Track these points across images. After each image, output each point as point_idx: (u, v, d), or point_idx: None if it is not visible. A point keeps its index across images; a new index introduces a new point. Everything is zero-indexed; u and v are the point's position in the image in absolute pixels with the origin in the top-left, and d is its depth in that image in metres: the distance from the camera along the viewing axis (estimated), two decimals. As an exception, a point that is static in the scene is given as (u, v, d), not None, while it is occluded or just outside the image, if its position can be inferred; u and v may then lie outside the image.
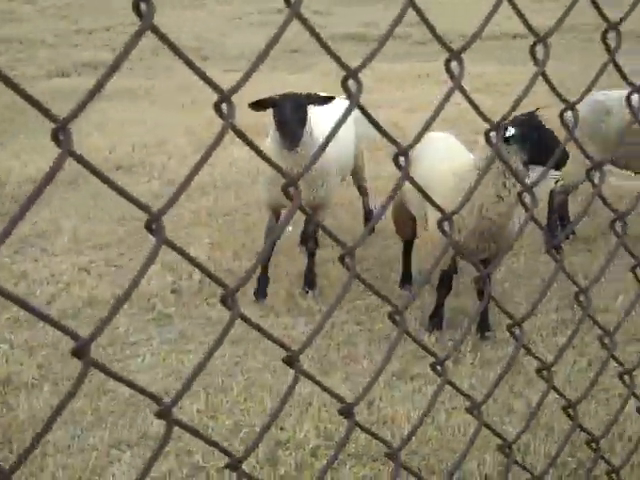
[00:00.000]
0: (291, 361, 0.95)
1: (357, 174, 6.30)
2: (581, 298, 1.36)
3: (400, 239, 5.65)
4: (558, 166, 4.26)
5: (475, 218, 4.45)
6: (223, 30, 17.09)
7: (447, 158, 4.81)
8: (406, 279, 5.58)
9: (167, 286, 5.49)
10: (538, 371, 1.31)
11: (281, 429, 4.11)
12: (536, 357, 1.29)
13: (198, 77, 0.99)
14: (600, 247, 6.06)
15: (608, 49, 1.33)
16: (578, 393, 4.27)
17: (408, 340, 4.82)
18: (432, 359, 4.09)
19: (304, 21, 0.97)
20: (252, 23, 17.25)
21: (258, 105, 4.77)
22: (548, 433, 4.04)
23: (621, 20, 1.33)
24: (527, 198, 1.24)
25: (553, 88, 1.25)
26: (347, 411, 1.03)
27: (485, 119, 1.18)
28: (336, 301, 0.99)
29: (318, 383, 1.02)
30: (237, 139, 1.09)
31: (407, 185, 5.20)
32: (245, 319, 0.93)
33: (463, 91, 1.12)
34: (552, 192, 6.36)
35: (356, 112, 5.19)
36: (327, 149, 5.52)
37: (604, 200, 1.41)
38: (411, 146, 1.07)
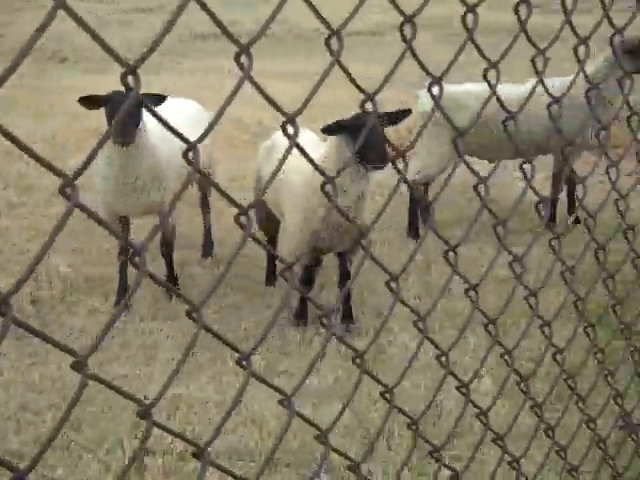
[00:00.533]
0: (78, 367, 0.93)
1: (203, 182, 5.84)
2: (392, 285, 1.39)
3: (264, 236, 5.66)
4: (381, 163, 4.24)
5: (324, 212, 4.54)
6: (83, 31, 16.61)
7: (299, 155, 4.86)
8: (271, 277, 5.59)
9: (25, 297, 5.29)
10: (353, 360, 1.33)
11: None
12: (348, 346, 1.31)
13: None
14: (454, 235, 6.25)
15: (404, 40, 1.36)
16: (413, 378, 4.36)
17: (275, 336, 4.83)
18: (301, 355, 4.08)
19: (74, 15, 0.94)
20: (117, 22, 16.84)
21: (90, 102, 4.57)
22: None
23: (415, 14, 1.36)
24: (330, 189, 1.25)
25: (351, 78, 1.27)
26: (144, 412, 1.01)
27: (282, 112, 1.18)
28: (122, 306, 0.97)
29: (111, 386, 1.00)
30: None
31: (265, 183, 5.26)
32: (20, 324, 0.89)
33: (254, 82, 1.12)
34: (412, 183, 6.52)
35: (204, 114, 5.09)
36: (162, 151, 5.41)
37: (412, 189, 1.44)
38: (199, 141, 1.06)
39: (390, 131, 6.94)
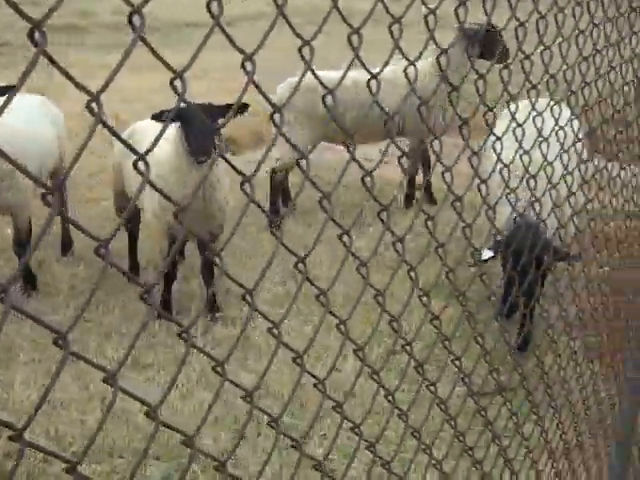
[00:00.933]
0: None
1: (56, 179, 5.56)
2: (216, 260, 1.42)
3: (124, 229, 5.57)
4: (201, 155, 4.16)
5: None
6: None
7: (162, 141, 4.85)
8: (134, 270, 5.53)
9: None
10: (179, 335, 1.35)
11: (9, 439, 3.92)
12: (173, 320, 1.33)
13: None
14: (317, 219, 6.32)
15: (212, 17, 1.38)
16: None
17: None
18: (167, 347, 4.02)
19: None
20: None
21: None
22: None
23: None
24: (142, 166, 1.26)
25: (158, 56, 1.28)
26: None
27: (87, 92, 1.18)
28: None
29: None
30: None
31: (127, 173, 5.17)
32: None
33: (49, 57, 1.12)
34: (272, 171, 6.56)
35: (55, 111, 4.85)
36: (12, 147, 5.21)
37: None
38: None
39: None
